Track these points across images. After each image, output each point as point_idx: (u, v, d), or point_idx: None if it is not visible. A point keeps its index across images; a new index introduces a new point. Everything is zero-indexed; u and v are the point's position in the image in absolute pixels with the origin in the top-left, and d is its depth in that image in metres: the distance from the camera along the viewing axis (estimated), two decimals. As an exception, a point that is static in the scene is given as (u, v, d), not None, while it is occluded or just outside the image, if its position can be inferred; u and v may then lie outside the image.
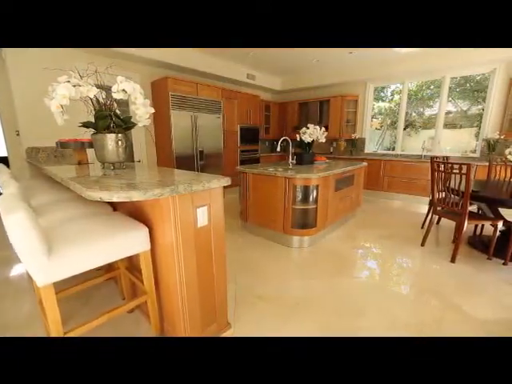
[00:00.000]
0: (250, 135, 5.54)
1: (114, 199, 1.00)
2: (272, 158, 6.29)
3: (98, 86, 1.59)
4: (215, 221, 1.33)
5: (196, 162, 4.42)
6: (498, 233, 2.42)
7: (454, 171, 2.42)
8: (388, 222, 3.70)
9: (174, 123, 4.01)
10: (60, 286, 1.54)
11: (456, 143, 5.11)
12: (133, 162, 4.24)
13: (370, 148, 5.89)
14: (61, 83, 1.42)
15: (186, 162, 4.25)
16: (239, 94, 5.21)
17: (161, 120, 4.18)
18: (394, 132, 5.68)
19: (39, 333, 1.54)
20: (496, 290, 2.01)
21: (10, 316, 1.72)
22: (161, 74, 4.24)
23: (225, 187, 1.33)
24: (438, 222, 3.58)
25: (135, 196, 1.00)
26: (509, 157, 2.58)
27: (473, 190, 2.40)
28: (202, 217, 1.25)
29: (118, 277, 1.83)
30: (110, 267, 1.92)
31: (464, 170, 2.31)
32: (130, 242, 1.24)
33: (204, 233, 1.29)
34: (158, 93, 4.15)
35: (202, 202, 1.25)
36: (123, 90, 1.52)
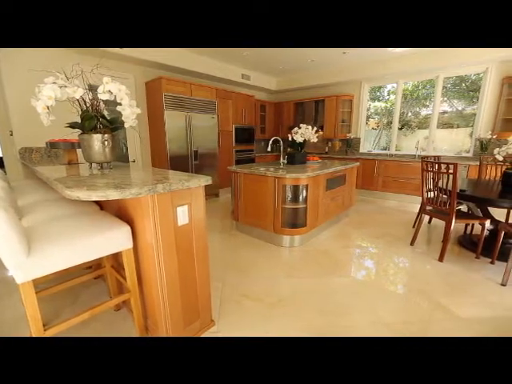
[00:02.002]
0: (245, 135, 5.56)
1: (93, 198, 1.02)
2: (267, 157, 6.31)
3: (90, 87, 1.60)
4: (196, 219, 1.35)
5: (190, 162, 4.44)
6: (485, 232, 2.44)
7: (442, 171, 2.44)
8: (380, 221, 3.72)
9: (168, 123, 4.02)
10: (47, 285, 1.57)
11: (452, 143, 5.13)
12: (127, 161, 4.26)
13: (366, 148, 5.91)
14: (47, 84, 1.44)
15: (180, 162, 4.27)
16: (234, 94, 5.23)
17: (155, 120, 4.20)
18: (390, 132, 5.70)
19: (28, 331, 1.56)
20: (482, 289, 2.02)
21: (9, 315, 1.75)
22: (155, 75, 4.26)
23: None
24: (429, 222, 3.60)
25: (113, 195, 1.03)
26: (497, 156, 2.60)
27: (460, 190, 2.42)
28: (183, 216, 1.28)
29: (106, 275, 1.85)
30: (98, 266, 1.95)
31: (451, 170, 2.33)
32: (112, 240, 1.26)
33: (185, 231, 1.31)
34: (152, 93, 4.18)
35: (183, 201, 1.27)
36: (109, 90, 1.54)
